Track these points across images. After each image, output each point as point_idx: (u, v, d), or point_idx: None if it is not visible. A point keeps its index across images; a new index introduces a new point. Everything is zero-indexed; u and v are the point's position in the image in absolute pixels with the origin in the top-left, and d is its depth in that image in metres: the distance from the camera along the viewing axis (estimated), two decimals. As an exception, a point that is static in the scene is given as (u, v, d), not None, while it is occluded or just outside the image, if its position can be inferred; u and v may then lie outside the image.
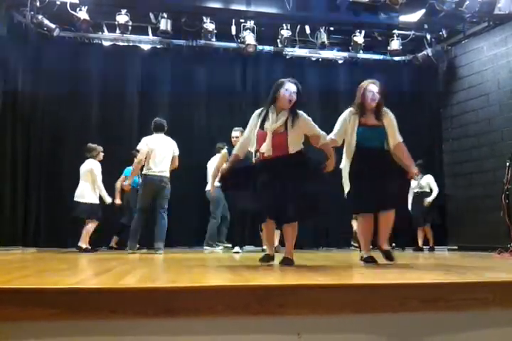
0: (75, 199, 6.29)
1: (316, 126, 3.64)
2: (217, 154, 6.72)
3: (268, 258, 3.42)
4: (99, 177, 6.35)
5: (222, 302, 1.73)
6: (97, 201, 6.37)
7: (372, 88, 3.96)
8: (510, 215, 5.46)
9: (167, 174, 6.04)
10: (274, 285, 1.86)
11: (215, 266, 3.39)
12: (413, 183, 7.59)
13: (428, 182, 7.47)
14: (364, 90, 3.98)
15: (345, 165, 3.76)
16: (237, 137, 5.73)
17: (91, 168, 6.34)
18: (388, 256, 3.65)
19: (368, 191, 3.55)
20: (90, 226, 6.28)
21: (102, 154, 6.54)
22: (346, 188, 3.70)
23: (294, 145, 3.44)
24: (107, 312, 1.67)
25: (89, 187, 6.34)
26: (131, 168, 6.58)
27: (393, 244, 7.72)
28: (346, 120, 3.88)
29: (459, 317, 1.89)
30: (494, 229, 6.32)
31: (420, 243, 7.52)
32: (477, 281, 2.06)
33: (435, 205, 7.45)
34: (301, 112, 3.62)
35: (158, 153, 6.04)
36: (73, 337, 1.68)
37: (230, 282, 2.01)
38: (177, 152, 6.26)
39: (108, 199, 6.44)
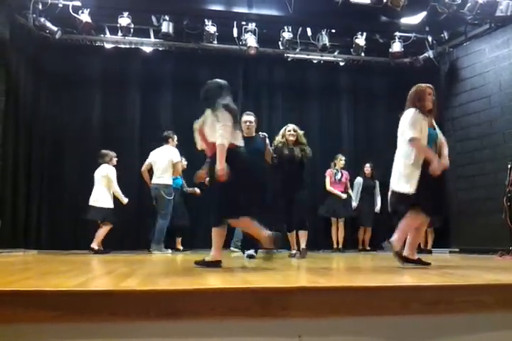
0: (91, 203, 6.56)
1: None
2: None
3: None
4: (115, 182, 6.66)
5: (224, 305, 1.73)
6: (111, 205, 6.63)
7: (431, 92, 4.09)
8: (511, 217, 5.45)
9: (163, 182, 6.57)
10: (275, 288, 1.85)
11: (216, 269, 3.38)
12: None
13: None
14: (425, 93, 4.08)
15: (413, 164, 3.76)
16: (250, 122, 5.24)
17: (106, 173, 6.63)
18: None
19: (437, 194, 3.66)
20: (104, 230, 6.54)
21: (115, 159, 6.82)
22: (408, 188, 3.63)
23: None
24: (108, 315, 1.67)
25: (105, 191, 6.62)
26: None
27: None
28: (419, 120, 3.87)
29: (460, 320, 1.89)
30: (496, 231, 6.29)
31: (422, 245, 7.50)
32: (478, 284, 2.06)
33: None
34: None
35: (157, 164, 6.67)
36: (75, 340, 1.68)
37: (232, 284, 2.01)
38: (176, 159, 6.65)
39: (125, 200, 6.72)
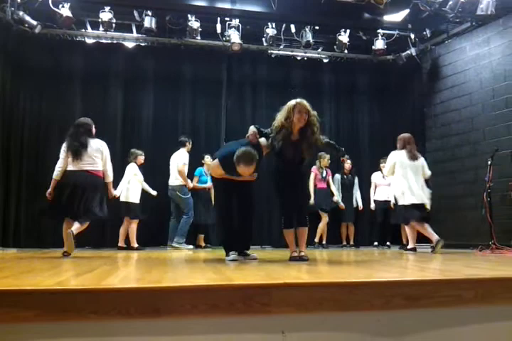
0: (122, 199, 6.73)
1: None
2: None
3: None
4: (140, 177, 6.95)
5: (206, 302, 1.72)
6: (137, 201, 6.87)
7: None
8: (491, 213, 5.55)
9: (177, 183, 7.07)
10: (257, 285, 1.85)
11: (198, 266, 3.37)
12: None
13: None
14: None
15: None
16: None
17: (134, 172, 6.88)
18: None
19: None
20: (134, 226, 6.79)
21: (140, 157, 7.04)
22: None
23: None
24: (89, 313, 1.65)
25: (134, 187, 6.85)
26: (201, 168, 7.46)
27: (375, 243, 7.82)
28: None
29: (441, 314, 1.91)
30: (476, 226, 6.41)
31: (405, 240, 7.58)
32: (459, 278, 2.09)
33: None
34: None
35: (171, 167, 7.19)
36: (55, 339, 1.66)
37: (214, 281, 2.00)
38: (180, 163, 7.04)
39: (153, 192, 7.04)
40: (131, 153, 7.03)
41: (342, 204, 7.86)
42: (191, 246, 7.11)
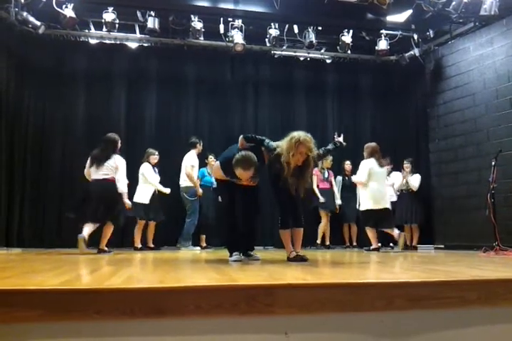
0: (134, 200, 6.66)
1: None
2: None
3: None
4: (151, 178, 6.90)
5: (210, 302, 1.72)
6: (147, 201, 6.82)
7: None
8: (495, 214, 5.53)
9: (184, 184, 7.14)
10: (261, 285, 1.85)
11: (201, 266, 3.38)
12: (399, 180, 7.70)
13: (415, 179, 7.58)
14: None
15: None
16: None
17: (142, 172, 6.89)
18: None
19: None
20: (138, 227, 6.79)
21: (153, 157, 6.99)
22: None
23: None
24: (92, 313, 1.65)
25: (142, 188, 6.84)
26: (204, 169, 7.43)
27: (379, 244, 7.79)
28: None
29: (444, 316, 1.91)
30: (480, 227, 6.38)
31: (408, 242, 7.58)
32: (462, 280, 2.08)
33: (421, 204, 7.54)
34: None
35: (182, 168, 7.23)
36: (58, 339, 1.66)
37: (217, 282, 2.00)
38: (188, 165, 7.06)
39: (166, 190, 7.01)
40: (145, 152, 7.04)
41: (337, 206, 7.89)
42: (198, 248, 7.12)
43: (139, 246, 6.74)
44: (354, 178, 6.96)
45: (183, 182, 7.15)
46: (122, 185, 5.67)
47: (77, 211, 5.63)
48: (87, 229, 5.40)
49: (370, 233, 6.55)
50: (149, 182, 6.88)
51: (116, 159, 5.73)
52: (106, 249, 5.68)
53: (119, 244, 7.19)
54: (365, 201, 6.57)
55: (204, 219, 7.23)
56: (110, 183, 5.60)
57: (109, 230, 5.72)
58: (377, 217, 6.45)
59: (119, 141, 5.93)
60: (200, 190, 7.10)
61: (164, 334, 1.71)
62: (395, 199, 7.76)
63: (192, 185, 7.07)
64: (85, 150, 7.61)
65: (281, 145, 3.96)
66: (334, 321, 1.82)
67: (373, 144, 6.64)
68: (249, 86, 8.50)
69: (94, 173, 5.64)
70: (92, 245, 5.76)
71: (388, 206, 6.61)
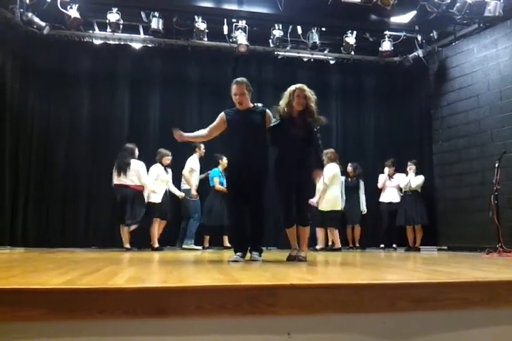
0: (149, 200, 6.78)
1: None
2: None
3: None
4: (165, 177, 6.98)
5: (212, 303, 1.72)
6: (159, 200, 6.87)
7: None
8: (499, 216, 5.51)
9: (183, 187, 7.25)
10: (263, 285, 1.85)
11: (204, 266, 3.38)
12: (402, 182, 7.68)
13: (418, 179, 7.57)
14: None
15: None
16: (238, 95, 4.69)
17: (152, 172, 6.90)
18: None
19: None
20: (156, 226, 6.84)
21: (166, 158, 7.00)
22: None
23: None
24: (95, 313, 1.65)
25: (155, 188, 6.84)
26: (217, 170, 7.44)
27: (382, 245, 7.78)
28: None
29: (447, 317, 1.90)
30: (483, 229, 6.37)
31: (411, 243, 7.57)
32: (465, 281, 2.07)
33: (424, 205, 7.52)
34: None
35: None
36: (61, 338, 1.66)
37: (220, 282, 2.00)
38: (186, 168, 7.17)
39: (179, 193, 7.17)
40: (157, 152, 7.03)
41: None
42: (200, 247, 7.16)
43: (156, 245, 6.76)
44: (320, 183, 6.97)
45: (184, 184, 7.26)
46: (146, 186, 6.51)
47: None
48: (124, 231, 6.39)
49: (335, 233, 7.15)
50: (161, 182, 6.92)
51: (135, 163, 6.48)
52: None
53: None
54: (327, 202, 7.10)
55: (209, 220, 7.25)
56: (131, 190, 6.41)
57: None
58: (329, 217, 7.13)
59: (136, 149, 6.63)
60: (195, 193, 7.16)
61: (166, 334, 1.71)
62: (398, 200, 7.74)
63: (186, 187, 7.19)
64: (89, 151, 7.69)
65: (280, 105, 4.17)
66: (336, 322, 1.82)
67: (333, 150, 7.29)
68: (253, 86, 8.43)
69: (116, 180, 6.45)
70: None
71: (341, 208, 7.40)
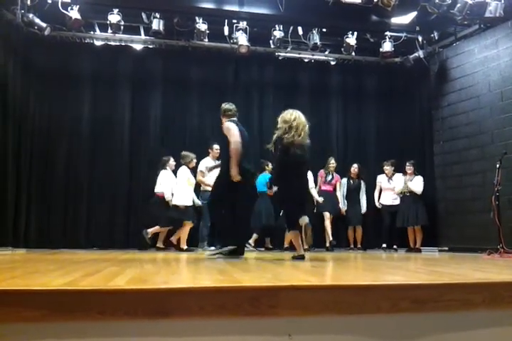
0: (179, 203, 6.88)
1: None
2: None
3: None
4: (193, 180, 7.02)
5: (213, 304, 1.72)
6: (188, 204, 6.93)
7: None
8: (500, 216, 5.50)
9: (201, 189, 7.25)
10: (265, 287, 1.85)
11: (205, 267, 3.38)
12: (401, 184, 7.68)
13: (417, 183, 7.55)
14: None
15: None
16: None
17: (178, 174, 6.99)
18: None
19: None
20: (185, 229, 6.90)
21: (194, 161, 7.08)
22: None
23: None
24: (96, 314, 1.65)
25: (184, 191, 6.89)
26: (266, 174, 7.35)
27: (383, 245, 7.77)
28: None
29: (449, 318, 1.90)
30: (484, 230, 6.36)
31: (412, 244, 7.56)
32: (466, 282, 2.07)
33: (423, 206, 7.51)
34: None
35: None
36: (62, 339, 1.66)
37: (221, 283, 2.00)
38: (198, 170, 7.19)
39: (198, 201, 7.22)
40: (183, 156, 7.02)
41: (343, 210, 7.86)
42: (213, 248, 7.09)
43: (185, 247, 6.82)
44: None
45: (203, 186, 7.16)
46: (167, 193, 6.94)
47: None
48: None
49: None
50: (189, 185, 6.93)
51: (161, 174, 7.04)
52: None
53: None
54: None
55: (266, 221, 7.29)
56: (156, 197, 7.07)
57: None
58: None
59: (169, 160, 7.10)
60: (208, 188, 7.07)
61: (167, 335, 1.71)
62: (398, 202, 7.74)
63: (206, 189, 6.96)
64: (91, 151, 7.70)
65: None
66: (338, 323, 1.82)
67: None
68: (254, 87, 8.51)
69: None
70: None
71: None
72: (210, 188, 6.90)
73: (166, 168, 7.09)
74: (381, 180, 7.94)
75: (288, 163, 4.31)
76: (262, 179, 7.29)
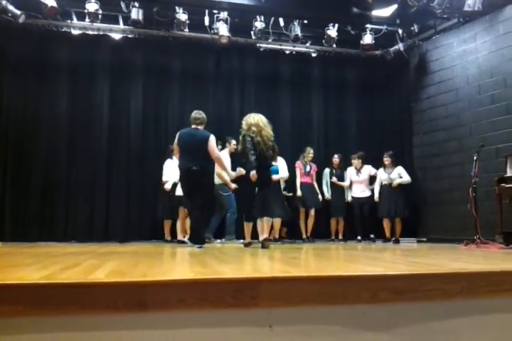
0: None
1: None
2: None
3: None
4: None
5: (194, 296, 1.72)
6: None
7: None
8: (477, 208, 5.62)
9: (216, 182, 6.79)
10: (246, 278, 1.85)
11: (186, 260, 3.36)
12: (383, 175, 7.74)
13: (399, 173, 7.61)
14: None
15: None
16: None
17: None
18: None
19: None
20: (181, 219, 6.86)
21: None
22: None
23: None
24: (75, 308, 1.63)
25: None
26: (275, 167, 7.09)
27: (358, 237, 7.82)
28: None
29: (427, 308, 1.93)
30: (461, 221, 6.49)
31: (388, 234, 7.64)
32: (444, 272, 2.10)
33: (403, 197, 7.58)
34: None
35: None
36: (41, 334, 1.64)
37: (202, 275, 1.99)
38: None
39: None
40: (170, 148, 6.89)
41: (327, 199, 7.89)
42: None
43: (180, 238, 6.70)
44: (279, 176, 7.00)
45: (216, 179, 6.83)
46: (168, 182, 6.96)
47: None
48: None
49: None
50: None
51: (166, 163, 7.11)
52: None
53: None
54: None
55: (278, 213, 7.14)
56: (162, 186, 7.07)
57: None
58: None
59: (169, 149, 6.86)
60: (234, 185, 6.91)
61: (148, 328, 1.70)
62: (367, 194, 7.79)
63: (221, 182, 6.80)
64: (68, 143, 7.55)
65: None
66: (318, 314, 1.83)
67: None
68: (235, 78, 8.45)
69: None
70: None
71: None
72: (220, 181, 6.86)
73: (171, 157, 6.96)
74: (350, 172, 7.99)
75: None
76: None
